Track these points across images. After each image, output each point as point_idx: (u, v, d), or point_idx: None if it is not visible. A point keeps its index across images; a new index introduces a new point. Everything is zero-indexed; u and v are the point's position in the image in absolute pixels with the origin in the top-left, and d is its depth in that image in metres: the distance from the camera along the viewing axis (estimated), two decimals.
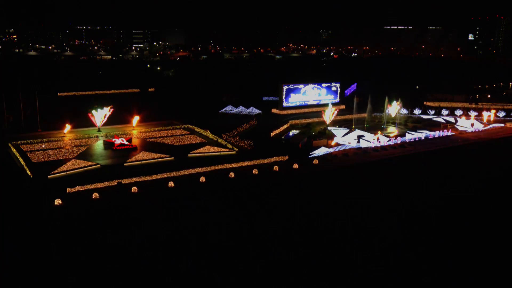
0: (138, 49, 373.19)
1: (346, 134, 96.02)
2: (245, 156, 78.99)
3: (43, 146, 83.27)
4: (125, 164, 74.49)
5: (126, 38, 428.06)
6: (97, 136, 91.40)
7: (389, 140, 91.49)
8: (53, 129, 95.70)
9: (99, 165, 73.30)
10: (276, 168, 74.21)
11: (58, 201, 57.94)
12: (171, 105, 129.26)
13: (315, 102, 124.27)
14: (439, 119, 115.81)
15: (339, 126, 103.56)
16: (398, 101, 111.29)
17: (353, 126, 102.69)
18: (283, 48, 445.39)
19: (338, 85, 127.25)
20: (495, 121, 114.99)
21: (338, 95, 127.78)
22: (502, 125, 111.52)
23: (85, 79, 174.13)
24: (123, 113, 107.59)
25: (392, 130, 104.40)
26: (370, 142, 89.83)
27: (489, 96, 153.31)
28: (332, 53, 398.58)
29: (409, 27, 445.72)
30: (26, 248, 47.16)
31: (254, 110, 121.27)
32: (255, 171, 72.42)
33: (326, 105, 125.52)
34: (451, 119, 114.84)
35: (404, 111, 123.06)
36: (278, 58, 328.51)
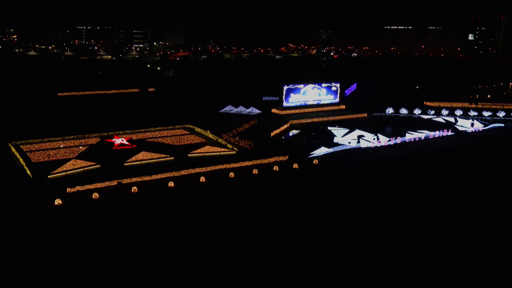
0: (138, 49, 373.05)
1: (346, 134, 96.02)
2: (245, 156, 79.01)
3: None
4: (125, 164, 74.50)
5: (126, 38, 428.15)
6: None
7: (389, 140, 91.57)
8: (53, 129, 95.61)
9: (99, 165, 73.31)
10: (276, 168, 74.24)
11: (58, 201, 57.95)
12: (171, 105, 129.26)
13: (315, 102, 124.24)
14: (439, 119, 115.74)
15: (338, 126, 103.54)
16: None
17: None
18: (283, 48, 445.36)
19: (338, 85, 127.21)
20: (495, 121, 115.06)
21: (338, 95, 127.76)
22: (502, 125, 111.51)
23: (85, 79, 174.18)
24: (123, 113, 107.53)
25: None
26: (370, 142, 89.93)
27: (489, 96, 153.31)
28: (332, 53, 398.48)
29: (409, 27, 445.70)
30: (26, 248, 47.12)
31: (254, 110, 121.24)
32: (255, 171, 72.45)
33: (326, 105, 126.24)
34: (451, 119, 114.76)
35: (404, 111, 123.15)
36: (278, 58, 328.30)
